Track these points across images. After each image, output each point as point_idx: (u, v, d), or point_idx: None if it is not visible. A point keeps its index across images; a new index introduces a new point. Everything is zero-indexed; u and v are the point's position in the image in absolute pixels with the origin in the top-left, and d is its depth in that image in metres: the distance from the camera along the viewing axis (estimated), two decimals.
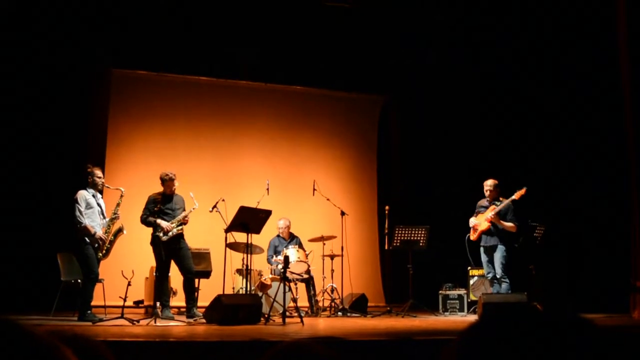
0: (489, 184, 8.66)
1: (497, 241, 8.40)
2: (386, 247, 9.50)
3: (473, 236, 8.64)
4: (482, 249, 8.59)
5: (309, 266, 9.01)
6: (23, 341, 0.78)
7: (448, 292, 9.54)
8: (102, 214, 7.53)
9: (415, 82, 11.30)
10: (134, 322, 6.65)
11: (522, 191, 8.35)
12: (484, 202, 8.73)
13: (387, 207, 9.61)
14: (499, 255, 8.37)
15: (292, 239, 9.55)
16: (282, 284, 7.60)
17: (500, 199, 8.53)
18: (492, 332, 0.86)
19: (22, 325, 0.81)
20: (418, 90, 11.34)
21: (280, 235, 9.53)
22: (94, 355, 1.34)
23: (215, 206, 8.20)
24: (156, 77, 10.54)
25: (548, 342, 0.82)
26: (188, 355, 3.88)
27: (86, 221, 7.27)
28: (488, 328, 0.87)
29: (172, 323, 7.02)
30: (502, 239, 8.39)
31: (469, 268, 9.70)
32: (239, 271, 8.91)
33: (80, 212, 7.27)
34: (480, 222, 8.56)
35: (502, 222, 8.38)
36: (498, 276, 8.33)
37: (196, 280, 8.34)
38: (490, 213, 8.44)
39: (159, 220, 7.75)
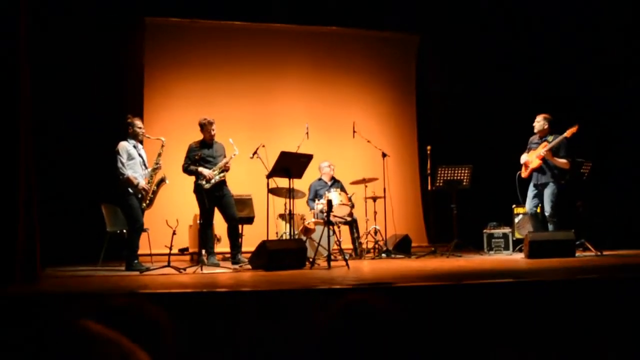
0: (538, 119, 8.33)
1: (549, 178, 8.10)
2: (429, 188, 9.35)
3: (524, 173, 8.35)
4: (531, 186, 8.31)
5: (351, 209, 8.96)
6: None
7: (492, 231, 9.45)
8: (144, 165, 7.52)
9: (453, 19, 10.93)
10: (181, 270, 6.71)
11: (574, 128, 7.98)
12: (535, 138, 8.41)
13: (429, 147, 9.41)
14: (549, 193, 8.07)
15: (333, 182, 9.49)
16: (326, 228, 7.57)
17: (552, 135, 8.23)
18: None
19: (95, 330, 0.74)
20: (455, 27, 10.97)
21: (322, 178, 9.47)
22: (151, 323, 1.29)
23: (255, 152, 8.16)
24: (189, 23, 10.40)
25: None
26: (238, 305, 3.87)
27: (128, 172, 7.28)
28: None
29: (218, 270, 7.07)
30: (554, 177, 8.10)
31: (514, 206, 9.55)
32: (281, 216, 8.92)
33: (122, 163, 7.27)
34: (531, 159, 8.28)
35: (554, 158, 8.11)
36: (547, 214, 8.05)
37: (240, 227, 8.38)
38: (542, 150, 8.16)
39: (200, 169, 7.73)
